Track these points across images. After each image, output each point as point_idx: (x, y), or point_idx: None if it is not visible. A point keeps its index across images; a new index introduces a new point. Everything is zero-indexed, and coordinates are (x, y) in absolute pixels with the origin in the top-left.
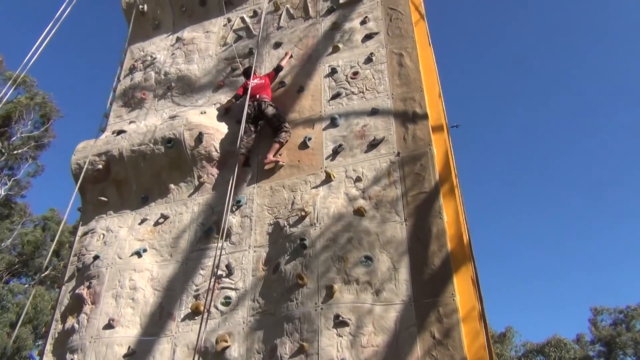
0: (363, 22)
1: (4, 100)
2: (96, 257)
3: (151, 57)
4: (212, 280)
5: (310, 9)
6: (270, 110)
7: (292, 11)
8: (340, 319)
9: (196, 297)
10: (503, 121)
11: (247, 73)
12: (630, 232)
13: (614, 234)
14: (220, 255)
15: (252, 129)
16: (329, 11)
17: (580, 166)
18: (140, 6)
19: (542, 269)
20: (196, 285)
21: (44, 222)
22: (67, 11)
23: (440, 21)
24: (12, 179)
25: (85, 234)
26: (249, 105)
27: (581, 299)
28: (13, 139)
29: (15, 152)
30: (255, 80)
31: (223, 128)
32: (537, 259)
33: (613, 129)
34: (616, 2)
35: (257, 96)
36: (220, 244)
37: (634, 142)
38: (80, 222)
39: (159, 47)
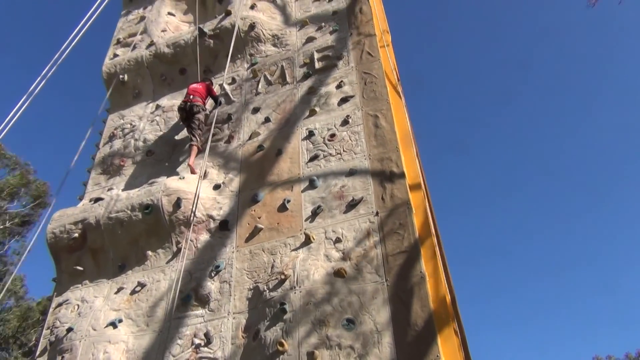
0: (339, 86)
1: None
2: (70, 330)
3: (131, 124)
4: None
5: (287, 75)
6: (199, 117)
7: (269, 77)
8: None
9: None
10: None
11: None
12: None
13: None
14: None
15: (186, 124)
16: (305, 76)
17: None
18: (121, 76)
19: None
20: (173, 356)
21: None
22: (41, 85)
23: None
24: None
25: (60, 305)
26: (182, 101)
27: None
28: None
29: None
30: (195, 85)
31: (202, 193)
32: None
33: None
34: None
35: (191, 97)
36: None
37: None
38: (55, 293)
39: (139, 115)
